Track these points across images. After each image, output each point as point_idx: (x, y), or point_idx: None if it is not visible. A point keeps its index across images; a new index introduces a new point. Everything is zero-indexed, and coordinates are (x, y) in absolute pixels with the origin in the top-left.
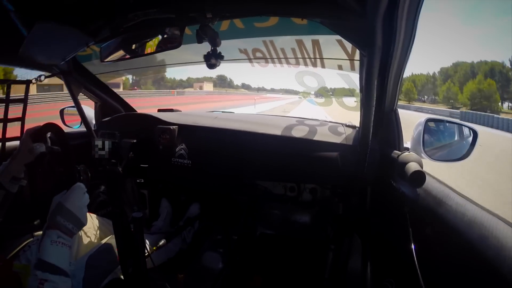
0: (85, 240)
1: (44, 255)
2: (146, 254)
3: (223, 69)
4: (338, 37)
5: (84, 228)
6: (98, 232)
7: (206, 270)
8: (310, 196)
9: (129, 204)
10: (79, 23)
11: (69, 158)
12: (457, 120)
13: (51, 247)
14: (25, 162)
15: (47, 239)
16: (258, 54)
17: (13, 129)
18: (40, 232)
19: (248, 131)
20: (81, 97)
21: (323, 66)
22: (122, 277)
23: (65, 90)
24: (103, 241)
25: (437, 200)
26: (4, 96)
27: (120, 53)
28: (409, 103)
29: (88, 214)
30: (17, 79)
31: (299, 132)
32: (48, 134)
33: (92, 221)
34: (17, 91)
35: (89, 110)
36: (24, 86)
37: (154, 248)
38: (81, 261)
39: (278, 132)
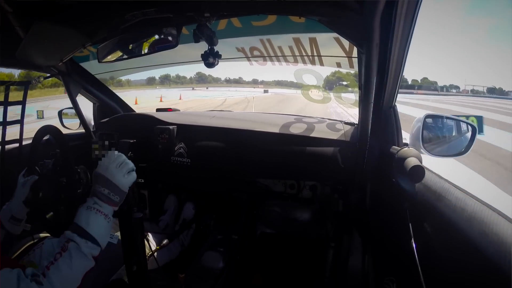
0: None
1: (77, 219)
2: (149, 254)
3: None
4: (336, 34)
5: None
6: None
7: (207, 270)
8: (310, 193)
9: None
10: (76, 24)
11: (68, 160)
12: (455, 116)
13: (85, 212)
14: (23, 199)
15: (84, 205)
16: (256, 53)
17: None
18: (40, 235)
19: (247, 129)
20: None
21: (321, 64)
22: (125, 277)
23: None
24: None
25: (437, 195)
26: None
27: (118, 53)
28: None
29: None
30: None
31: (298, 130)
32: (46, 137)
33: None
34: None
35: (88, 111)
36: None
37: (158, 247)
38: None
39: (277, 130)
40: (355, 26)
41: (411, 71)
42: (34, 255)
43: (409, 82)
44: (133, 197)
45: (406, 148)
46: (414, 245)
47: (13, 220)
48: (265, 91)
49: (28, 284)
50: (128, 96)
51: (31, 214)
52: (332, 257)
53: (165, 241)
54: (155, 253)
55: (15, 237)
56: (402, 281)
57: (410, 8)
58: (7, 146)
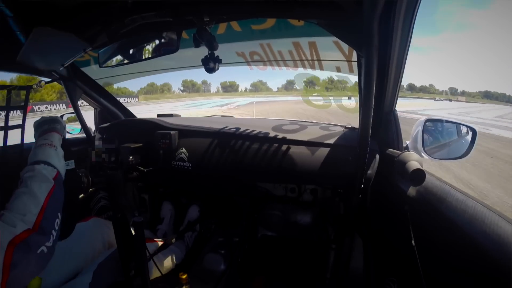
0: (94, 245)
1: (28, 160)
2: (148, 257)
3: None
4: (335, 38)
5: (92, 232)
6: (106, 236)
7: (208, 272)
8: (311, 197)
9: (130, 209)
10: (76, 29)
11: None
12: (456, 120)
13: (33, 152)
14: None
15: (31, 153)
16: (256, 57)
17: None
18: None
19: (247, 134)
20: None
21: (321, 68)
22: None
23: None
24: (113, 248)
25: (437, 197)
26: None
27: (118, 58)
28: None
29: (95, 218)
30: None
31: (298, 134)
32: None
33: (100, 225)
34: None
35: (89, 116)
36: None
37: (163, 241)
38: (90, 269)
39: (277, 134)
40: (354, 29)
41: None
42: None
43: None
44: (133, 201)
45: (406, 152)
46: (414, 245)
47: None
48: None
49: None
50: None
51: None
52: (333, 258)
53: (173, 240)
54: (160, 254)
55: None
56: (403, 282)
57: (408, 9)
58: (8, 149)
